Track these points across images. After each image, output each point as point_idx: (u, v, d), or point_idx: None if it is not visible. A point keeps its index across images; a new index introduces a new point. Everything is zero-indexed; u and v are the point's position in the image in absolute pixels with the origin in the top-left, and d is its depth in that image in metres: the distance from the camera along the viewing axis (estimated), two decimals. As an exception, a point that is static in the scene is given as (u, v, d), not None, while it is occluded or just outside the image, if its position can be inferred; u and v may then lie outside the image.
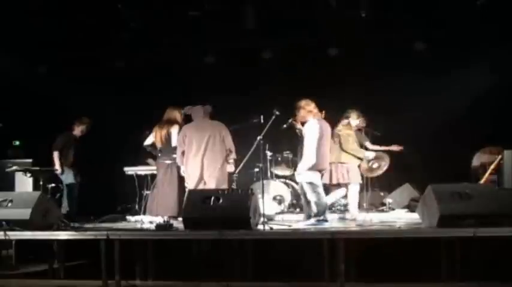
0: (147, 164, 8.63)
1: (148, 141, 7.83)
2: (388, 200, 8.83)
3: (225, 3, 8.67)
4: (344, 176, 7.41)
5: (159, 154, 7.68)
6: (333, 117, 8.65)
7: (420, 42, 9.08)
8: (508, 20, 8.32)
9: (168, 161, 7.55)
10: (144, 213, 7.70)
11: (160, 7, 8.74)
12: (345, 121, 7.65)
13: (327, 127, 7.03)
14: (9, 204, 6.32)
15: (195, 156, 7.16)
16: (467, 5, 8.38)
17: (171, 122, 7.59)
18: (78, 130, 8.27)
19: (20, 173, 7.99)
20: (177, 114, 7.65)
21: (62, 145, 8.10)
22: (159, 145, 7.64)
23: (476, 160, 7.94)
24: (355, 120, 7.70)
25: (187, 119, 7.65)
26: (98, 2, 8.58)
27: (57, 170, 8.02)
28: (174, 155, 7.47)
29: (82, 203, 8.25)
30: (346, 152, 7.45)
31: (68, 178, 8.09)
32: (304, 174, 6.86)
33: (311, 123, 6.96)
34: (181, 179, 7.52)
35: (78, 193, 8.18)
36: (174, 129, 7.52)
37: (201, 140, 7.16)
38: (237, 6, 8.78)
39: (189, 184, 7.20)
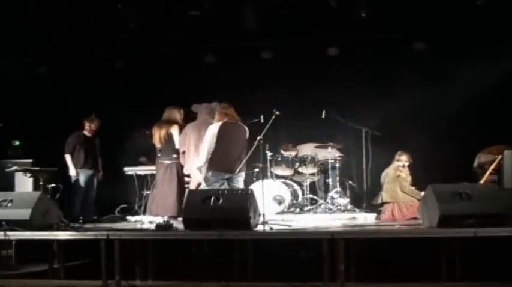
0: (141, 163, 8.66)
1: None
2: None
3: (225, 3, 8.66)
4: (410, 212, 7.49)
5: (159, 154, 7.66)
6: (333, 117, 8.70)
7: (420, 42, 9.07)
8: (508, 19, 8.31)
9: (168, 161, 7.54)
10: (144, 213, 7.70)
11: (160, 7, 8.73)
12: (399, 164, 7.82)
13: (235, 129, 6.97)
14: (9, 204, 6.31)
15: (194, 157, 7.16)
16: (467, 5, 8.38)
17: (171, 122, 7.57)
18: (87, 129, 8.27)
19: (20, 173, 7.98)
20: (176, 115, 7.64)
21: (73, 146, 8.10)
22: (158, 145, 7.62)
23: (477, 161, 7.95)
24: (406, 162, 7.84)
25: (189, 119, 7.66)
26: (98, 2, 8.57)
27: (74, 175, 8.04)
28: (174, 155, 7.47)
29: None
30: (405, 193, 7.65)
31: (77, 178, 8.11)
32: (204, 174, 6.96)
33: (212, 125, 6.99)
34: (180, 179, 7.53)
35: (86, 190, 8.19)
36: (175, 130, 7.50)
37: (199, 140, 7.15)
38: (237, 6, 8.77)
39: (191, 185, 7.20)
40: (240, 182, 6.95)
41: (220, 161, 6.84)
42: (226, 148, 6.86)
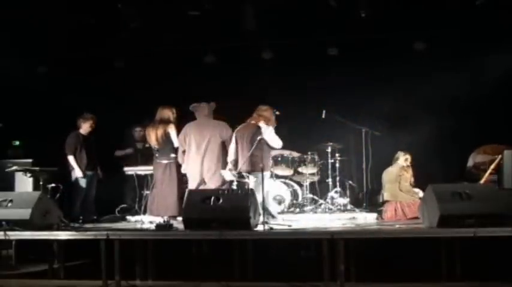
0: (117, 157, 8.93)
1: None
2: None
3: (225, 3, 8.66)
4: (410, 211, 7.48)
5: (156, 154, 7.62)
6: (333, 117, 8.71)
7: (420, 42, 9.07)
8: (508, 19, 8.31)
9: (166, 161, 7.52)
10: (144, 213, 7.69)
11: (160, 7, 8.73)
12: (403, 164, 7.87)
13: (243, 130, 7.23)
14: (9, 204, 6.33)
15: (195, 156, 7.15)
16: (467, 5, 8.37)
17: (166, 121, 7.55)
18: (84, 128, 8.26)
19: (20, 173, 7.97)
20: (169, 114, 7.62)
21: (74, 147, 8.08)
22: (155, 146, 7.57)
23: (471, 161, 7.95)
24: (409, 162, 7.91)
25: (187, 118, 7.64)
26: (98, 2, 8.57)
27: (82, 175, 8.04)
28: (172, 155, 7.46)
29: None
30: (401, 191, 7.70)
31: (77, 178, 8.11)
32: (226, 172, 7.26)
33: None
34: (180, 179, 7.52)
35: (87, 190, 8.18)
36: (172, 129, 7.48)
37: (202, 140, 7.15)
38: (237, 6, 8.77)
39: (190, 185, 7.20)
40: (251, 181, 7.00)
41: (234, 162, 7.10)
42: (234, 148, 7.08)
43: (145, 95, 9.34)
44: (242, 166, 7.03)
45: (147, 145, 8.36)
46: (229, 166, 7.25)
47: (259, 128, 7.14)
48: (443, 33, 8.88)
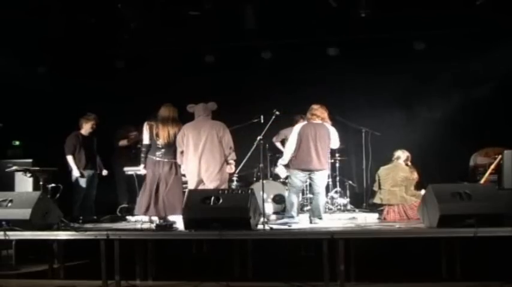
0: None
1: (146, 140, 7.68)
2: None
3: (225, 3, 8.66)
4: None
5: (157, 152, 7.53)
6: (333, 117, 8.71)
7: (420, 42, 9.08)
8: (508, 19, 8.31)
9: (172, 160, 7.46)
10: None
11: (160, 7, 8.73)
12: (402, 163, 7.64)
13: (315, 129, 7.13)
14: (9, 204, 6.33)
15: (193, 157, 7.13)
16: (467, 5, 8.38)
17: (177, 121, 7.48)
18: (85, 128, 8.25)
19: (20, 173, 7.97)
20: (176, 112, 7.60)
21: (74, 147, 8.07)
22: (163, 143, 7.47)
23: (473, 161, 7.94)
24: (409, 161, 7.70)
25: (187, 118, 7.63)
26: (98, 2, 8.57)
27: (80, 175, 8.03)
28: (175, 155, 7.43)
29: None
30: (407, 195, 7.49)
31: (77, 178, 8.11)
32: (281, 169, 7.37)
33: (297, 125, 7.38)
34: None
35: (87, 190, 8.17)
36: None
37: (199, 140, 7.11)
38: (237, 6, 8.77)
39: (189, 185, 7.19)
40: (320, 179, 7.12)
41: (300, 159, 7.10)
42: (306, 147, 7.08)
43: (145, 95, 9.35)
44: (317, 164, 7.06)
45: (138, 145, 8.37)
46: (283, 162, 7.28)
47: (327, 128, 7.20)
48: (443, 33, 8.88)
